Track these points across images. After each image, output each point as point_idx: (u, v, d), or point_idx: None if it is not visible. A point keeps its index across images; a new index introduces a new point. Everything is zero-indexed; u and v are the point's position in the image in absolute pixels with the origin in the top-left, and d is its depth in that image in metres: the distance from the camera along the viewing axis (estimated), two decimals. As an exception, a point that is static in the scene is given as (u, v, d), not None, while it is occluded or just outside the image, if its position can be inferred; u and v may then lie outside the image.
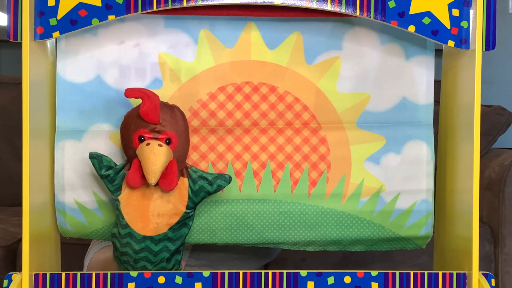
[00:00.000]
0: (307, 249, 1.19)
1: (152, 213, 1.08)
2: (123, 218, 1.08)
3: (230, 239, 1.16)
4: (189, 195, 1.08)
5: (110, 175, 1.07)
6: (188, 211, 1.08)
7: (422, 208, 1.16)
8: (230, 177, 1.08)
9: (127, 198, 1.08)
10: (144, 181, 1.06)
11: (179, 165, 1.07)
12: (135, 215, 1.08)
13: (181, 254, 1.11)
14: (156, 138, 1.05)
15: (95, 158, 1.07)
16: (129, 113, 1.08)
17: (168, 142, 1.06)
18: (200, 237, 1.16)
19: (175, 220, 1.08)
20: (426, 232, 1.17)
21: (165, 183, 1.06)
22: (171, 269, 1.11)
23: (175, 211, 1.08)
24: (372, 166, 1.15)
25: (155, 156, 1.03)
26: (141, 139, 1.05)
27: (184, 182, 1.08)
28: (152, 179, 1.03)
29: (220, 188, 1.08)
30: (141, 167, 1.05)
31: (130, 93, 1.05)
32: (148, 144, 1.04)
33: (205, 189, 1.08)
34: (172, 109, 1.08)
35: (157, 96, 1.06)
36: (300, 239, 1.16)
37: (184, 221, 1.09)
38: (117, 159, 1.11)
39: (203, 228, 1.15)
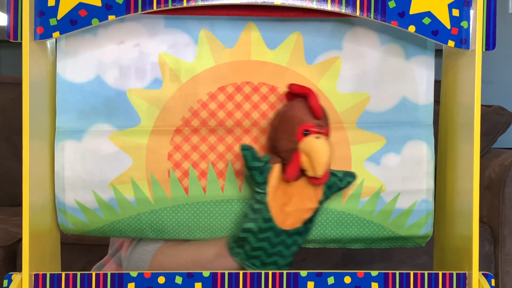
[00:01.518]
0: (307, 246, 1.19)
1: (291, 207, 1.09)
2: (268, 211, 1.09)
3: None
4: (324, 191, 1.10)
5: (261, 167, 1.08)
6: (319, 206, 1.10)
7: (422, 208, 1.16)
8: (355, 174, 1.12)
9: (272, 192, 1.09)
10: (299, 175, 1.08)
11: None
12: (277, 209, 1.09)
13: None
14: (320, 133, 1.08)
15: (247, 149, 1.08)
16: (288, 106, 1.09)
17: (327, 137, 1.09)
18: (200, 235, 1.16)
19: (308, 215, 1.10)
20: (426, 232, 1.17)
21: (291, 172, 1.08)
22: (290, 264, 1.12)
23: (310, 206, 1.10)
24: (372, 166, 1.15)
25: (326, 150, 1.06)
26: (306, 133, 1.07)
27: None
28: (321, 172, 1.06)
29: (349, 184, 1.11)
30: (300, 161, 1.07)
31: (296, 88, 1.08)
32: (317, 137, 1.06)
33: (337, 185, 1.11)
34: (322, 106, 1.10)
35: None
36: (300, 239, 1.16)
37: (314, 216, 1.11)
38: (117, 159, 1.11)
39: (202, 228, 1.15)
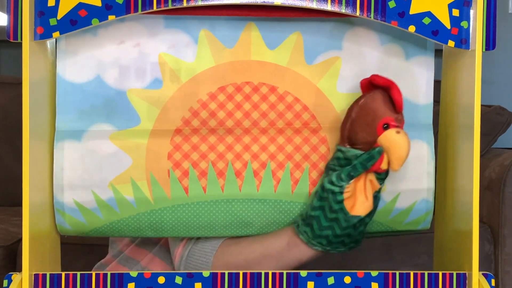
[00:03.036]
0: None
1: (363, 194, 1.10)
2: (341, 194, 1.09)
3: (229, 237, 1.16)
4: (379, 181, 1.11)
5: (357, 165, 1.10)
6: (382, 185, 1.11)
7: (422, 207, 1.17)
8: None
9: (348, 186, 1.10)
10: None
11: None
12: (351, 199, 1.10)
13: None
14: (398, 126, 1.08)
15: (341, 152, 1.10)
16: (368, 98, 1.09)
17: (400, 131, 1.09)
18: (199, 232, 1.16)
19: (372, 196, 1.11)
20: (423, 227, 1.19)
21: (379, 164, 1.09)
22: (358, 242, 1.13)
23: (373, 187, 1.10)
24: (372, 166, 1.15)
25: (407, 144, 1.07)
26: (386, 127, 1.07)
27: None
28: (400, 166, 1.07)
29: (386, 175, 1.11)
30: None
31: (380, 80, 1.08)
32: (398, 132, 1.07)
33: (381, 176, 1.10)
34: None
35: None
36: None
37: (377, 195, 1.11)
38: (117, 159, 1.11)
39: (202, 226, 1.15)
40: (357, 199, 1.10)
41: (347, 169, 1.09)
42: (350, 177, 1.09)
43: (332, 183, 1.10)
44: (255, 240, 1.19)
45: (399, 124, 1.09)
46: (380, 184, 1.10)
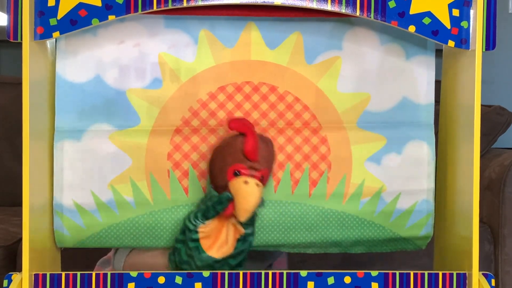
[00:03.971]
0: (307, 252, 1.19)
1: (223, 238, 1.08)
2: (196, 233, 1.08)
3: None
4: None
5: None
6: (247, 230, 1.08)
7: (422, 208, 1.16)
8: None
9: (204, 226, 1.08)
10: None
11: None
12: (210, 239, 1.08)
13: (243, 266, 1.11)
14: (252, 176, 1.05)
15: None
16: (225, 142, 1.07)
17: (261, 179, 1.06)
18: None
19: (236, 239, 1.09)
20: (426, 232, 1.17)
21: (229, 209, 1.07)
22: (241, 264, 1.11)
23: (236, 232, 1.08)
24: (373, 166, 1.15)
25: (254, 198, 1.04)
26: (236, 174, 1.05)
27: None
28: (244, 218, 1.05)
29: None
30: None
31: (235, 125, 1.04)
32: (246, 182, 1.04)
33: None
34: (267, 145, 1.08)
35: (253, 127, 1.06)
36: (300, 240, 1.16)
37: (246, 239, 1.09)
38: (117, 159, 1.11)
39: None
40: (217, 241, 1.08)
41: (203, 209, 1.08)
42: (205, 218, 1.07)
43: (189, 220, 1.08)
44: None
45: (254, 173, 1.05)
46: (246, 229, 1.07)
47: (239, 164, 1.05)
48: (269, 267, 1.35)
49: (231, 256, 1.08)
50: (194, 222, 1.07)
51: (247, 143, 1.04)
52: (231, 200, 1.05)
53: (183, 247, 1.09)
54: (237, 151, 1.05)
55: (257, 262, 1.34)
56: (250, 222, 1.07)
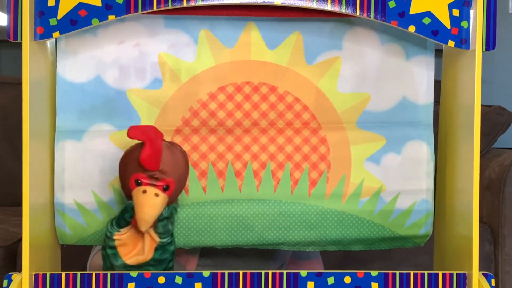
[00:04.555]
0: (307, 250, 1.19)
1: (138, 246, 1.06)
2: (118, 255, 1.07)
3: (229, 240, 1.16)
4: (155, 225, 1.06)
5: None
6: (162, 239, 1.06)
7: (422, 208, 1.16)
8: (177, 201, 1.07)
9: (120, 234, 1.06)
10: None
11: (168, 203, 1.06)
12: (126, 247, 1.06)
13: None
14: (153, 185, 1.03)
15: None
16: (129, 150, 1.05)
17: (166, 188, 1.04)
18: (199, 239, 1.15)
19: (153, 248, 1.06)
20: (425, 231, 1.17)
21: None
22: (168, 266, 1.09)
23: (152, 241, 1.06)
24: (372, 166, 1.15)
25: (150, 208, 1.02)
26: (138, 183, 1.03)
27: None
28: (143, 227, 1.03)
29: (173, 214, 1.06)
30: None
31: (133, 134, 1.02)
32: (144, 191, 1.02)
33: (162, 215, 1.05)
34: (174, 152, 1.05)
35: (161, 139, 1.03)
36: (300, 239, 1.16)
37: (164, 248, 1.06)
38: (117, 159, 1.11)
39: (202, 230, 1.15)
40: (135, 249, 1.06)
41: (116, 217, 1.07)
42: (118, 226, 1.06)
43: (107, 227, 1.07)
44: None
45: (155, 182, 1.03)
46: (162, 237, 1.05)
47: (139, 173, 1.03)
48: (281, 267, 1.35)
49: (149, 265, 1.06)
50: (110, 230, 1.06)
51: (142, 152, 1.02)
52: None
53: (105, 254, 1.08)
54: (136, 160, 1.03)
55: (268, 262, 1.35)
56: (164, 231, 1.05)
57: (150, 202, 1.02)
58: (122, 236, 1.06)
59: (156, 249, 1.06)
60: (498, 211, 1.79)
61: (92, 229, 1.14)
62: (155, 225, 1.05)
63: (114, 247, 1.06)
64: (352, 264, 1.74)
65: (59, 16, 1.02)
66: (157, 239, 1.05)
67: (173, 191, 1.05)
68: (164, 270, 1.07)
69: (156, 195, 1.03)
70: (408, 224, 1.17)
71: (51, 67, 1.11)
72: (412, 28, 1.05)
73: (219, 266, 1.31)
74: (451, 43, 1.05)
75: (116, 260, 1.06)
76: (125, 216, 1.05)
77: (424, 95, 1.15)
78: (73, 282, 1.02)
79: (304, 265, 1.36)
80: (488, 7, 1.04)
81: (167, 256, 1.07)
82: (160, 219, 1.04)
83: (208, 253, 1.30)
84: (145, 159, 1.02)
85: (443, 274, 1.04)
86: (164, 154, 1.04)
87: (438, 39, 1.05)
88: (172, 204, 1.06)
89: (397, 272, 1.04)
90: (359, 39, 1.14)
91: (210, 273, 1.03)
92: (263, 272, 1.03)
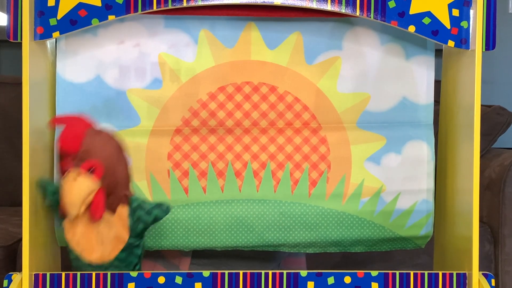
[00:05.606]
0: (307, 251, 1.19)
1: (96, 241, 1.05)
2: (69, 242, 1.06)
3: (229, 241, 1.16)
4: (130, 225, 1.05)
5: (54, 205, 1.05)
6: (132, 240, 1.05)
7: (422, 208, 1.16)
8: (168, 207, 1.04)
9: (70, 224, 1.05)
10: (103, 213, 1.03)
11: (114, 193, 1.04)
12: (80, 242, 1.05)
13: None
14: (77, 168, 1.01)
15: (40, 187, 1.05)
16: (59, 136, 1.04)
17: (92, 171, 1.01)
18: (199, 240, 1.15)
19: (119, 248, 1.05)
20: (426, 232, 1.17)
21: (90, 213, 1.02)
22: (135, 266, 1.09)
23: (118, 240, 1.05)
24: (372, 166, 1.15)
25: (68, 189, 1.00)
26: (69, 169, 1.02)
27: (124, 210, 1.05)
28: (71, 211, 1.00)
29: (158, 218, 1.04)
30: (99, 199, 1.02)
31: (56, 120, 1.03)
32: (66, 175, 1.01)
33: (142, 219, 1.04)
34: (99, 135, 1.03)
35: (83, 124, 1.02)
36: (300, 240, 1.16)
37: (131, 250, 1.06)
38: (117, 159, 1.11)
39: (202, 230, 1.15)
40: (91, 245, 1.05)
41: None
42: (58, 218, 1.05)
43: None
44: None
45: (79, 163, 1.00)
46: (129, 238, 1.04)
47: (64, 159, 1.02)
48: (277, 267, 1.35)
49: (113, 265, 1.05)
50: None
51: (60, 135, 1.02)
52: (53, 192, 1.04)
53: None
54: (67, 144, 1.02)
55: (266, 263, 1.35)
56: (134, 232, 1.05)
57: (68, 184, 1.00)
58: (75, 237, 1.05)
59: (122, 250, 1.05)
60: (498, 211, 1.79)
61: None
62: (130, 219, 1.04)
63: (72, 250, 1.05)
64: (352, 265, 1.74)
65: (59, 16, 1.02)
66: (125, 238, 1.04)
67: (102, 174, 1.01)
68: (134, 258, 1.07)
69: (76, 177, 1.00)
70: (409, 225, 1.17)
71: (51, 67, 1.11)
72: (412, 28, 1.04)
73: (214, 265, 1.31)
74: (451, 43, 1.05)
75: (79, 261, 1.05)
76: (50, 199, 1.04)
77: (424, 95, 1.15)
78: (73, 282, 1.02)
79: (297, 262, 1.36)
80: (488, 7, 1.04)
81: (132, 259, 1.06)
82: (133, 216, 1.04)
83: (202, 252, 1.30)
84: (61, 140, 1.01)
85: (443, 274, 1.04)
86: (88, 138, 1.02)
87: (438, 39, 1.05)
88: (158, 208, 1.04)
89: (397, 272, 1.04)
90: (359, 39, 1.14)
91: (210, 273, 1.03)
92: (263, 272, 1.03)
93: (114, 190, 1.03)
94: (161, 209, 1.04)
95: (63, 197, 1.00)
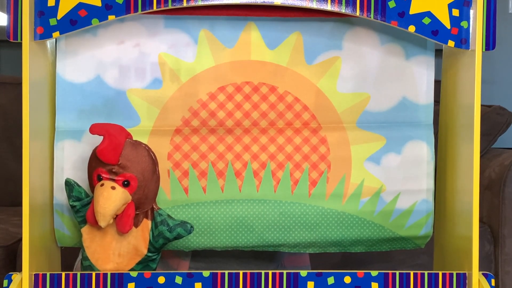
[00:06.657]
0: (307, 252, 1.19)
1: (113, 251, 1.06)
2: (84, 250, 1.07)
3: (230, 241, 1.16)
4: (150, 239, 1.06)
5: (77, 207, 1.07)
6: (150, 254, 1.06)
7: (422, 208, 1.16)
8: (192, 227, 1.06)
9: (89, 232, 1.07)
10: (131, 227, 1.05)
11: (142, 207, 1.05)
12: (97, 251, 1.06)
13: None
14: (113, 179, 1.03)
15: (67, 185, 1.07)
16: (95, 147, 1.05)
17: (127, 184, 1.03)
18: (199, 240, 1.15)
19: (135, 261, 1.07)
20: (426, 232, 1.17)
21: (119, 225, 1.04)
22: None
23: (136, 253, 1.06)
24: (372, 166, 1.15)
25: (104, 199, 1.01)
26: (99, 178, 1.03)
27: (147, 224, 1.06)
28: (101, 222, 1.02)
29: (180, 236, 1.05)
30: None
31: (94, 129, 1.03)
32: (102, 185, 1.02)
33: (164, 235, 1.05)
34: (137, 149, 1.05)
35: (123, 135, 1.03)
36: (300, 240, 1.16)
37: (147, 263, 1.07)
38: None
39: (202, 231, 1.15)
40: (107, 256, 1.06)
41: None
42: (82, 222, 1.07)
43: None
44: None
45: (114, 176, 1.03)
46: (148, 251, 1.05)
47: (99, 167, 1.03)
48: (277, 267, 1.35)
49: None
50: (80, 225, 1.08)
51: (99, 145, 1.03)
52: (78, 197, 1.06)
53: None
54: (97, 155, 1.03)
55: (266, 263, 1.35)
56: (154, 247, 1.06)
57: (104, 194, 1.01)
58: (93, 245, 1.06)
59: (138, 263, 1.06)
60: (498, 211, 1.79)
61: None
62: (153, 236, 1.05)
63: (87, 258, 1.07)
64: (352, 265, 1.74)
65: (59, 16, 1.02)
66: (143, 251, 1.06)
67: (136, 188, 1.04)
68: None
69: (113, 188, 1.02)
70: (409, 225, 1.17)
71: (51, 67, 1.11)
72: (412, 28, 1.04)
73: (213, 269, 1.31)
74: (451, 43, 1.05)
75: (92, 270, 1.06)
76: (76, 208, 1.06)
77: (424, 95, 1.15)
78: (73, 282, 1.02)
79: (301, 257, 1.36)
80: (488, 7, 1.04)
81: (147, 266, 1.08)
82: (154, 231, 1.05)
83: (201, 254, 1.30)
84: (101, 151, 1.02)
85: (443, 274, 1.04)
86: (126, 149, 1.03)
87: (438, 39, 1.05)
88: (181, 227, 1.05)
89: (397, 272, 1.04)
90: (359, 39, 1.14)
91: (210, 273, 1.03)
92: (263, 272, 1.03)
93: (142, 205, 1.05)
94: (185, 228, 1.05)
95: (95, 205, 1.01)
